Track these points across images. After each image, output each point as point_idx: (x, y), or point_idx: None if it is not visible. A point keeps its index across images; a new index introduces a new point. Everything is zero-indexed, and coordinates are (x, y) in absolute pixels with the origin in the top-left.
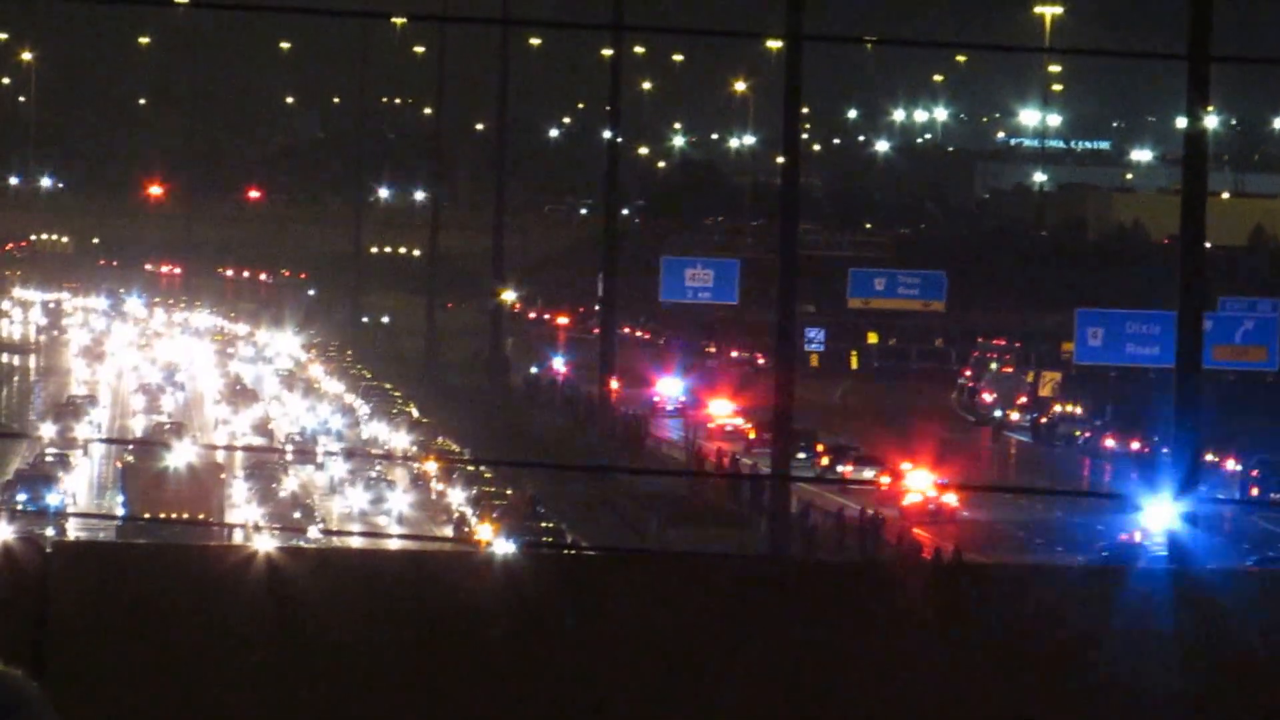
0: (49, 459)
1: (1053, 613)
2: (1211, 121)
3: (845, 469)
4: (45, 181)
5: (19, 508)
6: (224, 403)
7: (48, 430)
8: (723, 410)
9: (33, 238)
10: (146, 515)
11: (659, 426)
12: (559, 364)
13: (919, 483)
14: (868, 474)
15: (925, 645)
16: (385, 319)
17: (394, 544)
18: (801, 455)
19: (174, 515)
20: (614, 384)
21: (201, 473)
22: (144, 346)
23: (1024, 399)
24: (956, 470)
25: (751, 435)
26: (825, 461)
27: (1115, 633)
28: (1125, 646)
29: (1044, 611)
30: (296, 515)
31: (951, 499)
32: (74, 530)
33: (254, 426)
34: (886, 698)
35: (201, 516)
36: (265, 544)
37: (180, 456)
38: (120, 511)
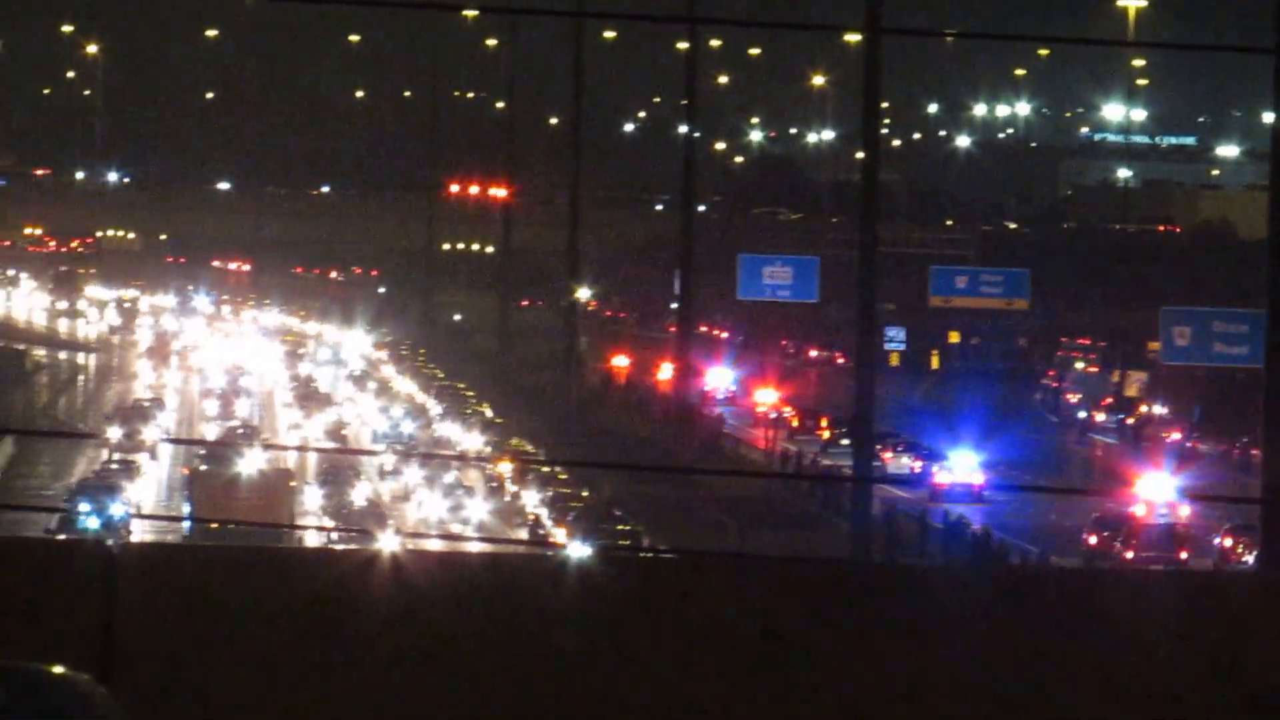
0: (114, 466)
1: (1135, 617)
2: None
3: (887, 456)
4: (112, 177)
5: (81, 518)
6: (296, 406)
7: (113, 434)
8: (768, 399)
9: (99, 234)
10: (214, 524)
11: (713, 417)
12: (622, 361)
13: (962, 464)
14: (905, 460)
15: (1001, 648)
16: (457, 316)
17: (471, 547)
18: (845, 443)
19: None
20: (665, 374)
21: (270, 480)
22: (213, 347)
23: (1109, 399)
24: (1013, 459)
25: (795, 423)
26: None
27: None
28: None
29: (1127, 617)
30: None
31: (980, 478)
32: (140, 534)
33: (327, 431)
34: (962, 699)
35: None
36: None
37: (249, 463)
38: (186, 522)
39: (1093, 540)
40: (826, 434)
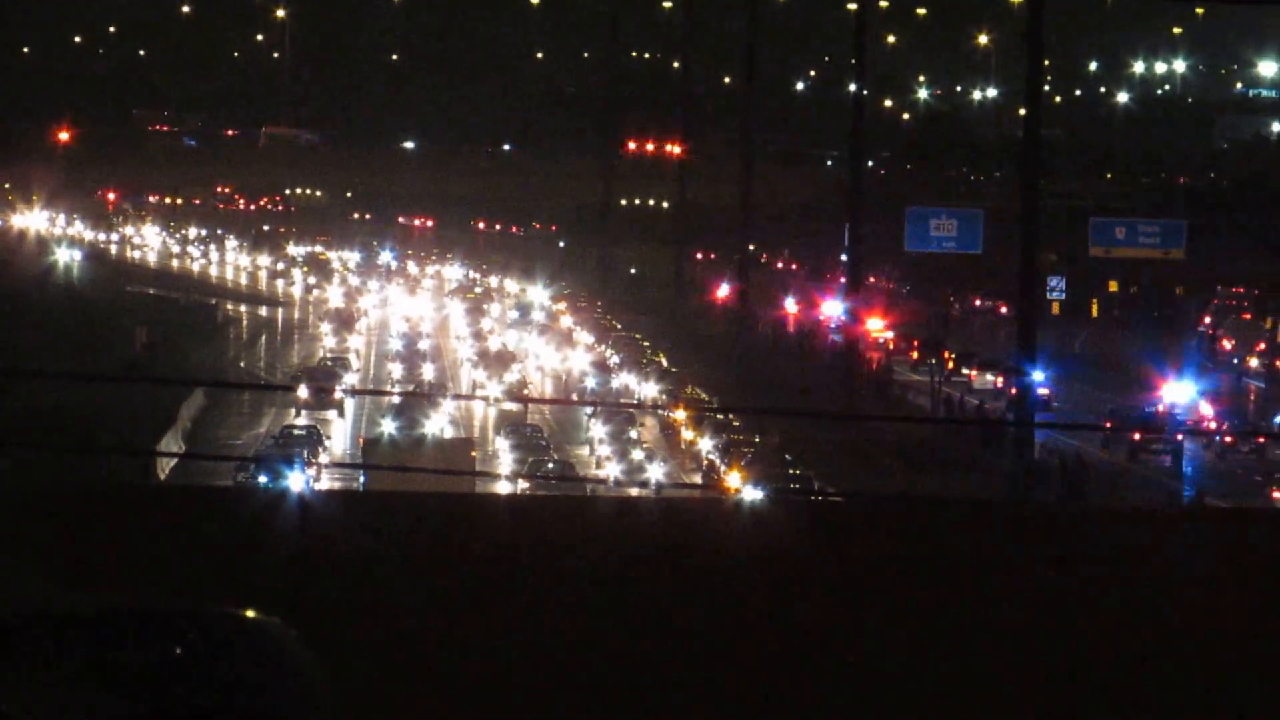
0: (296, 431)
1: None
2: None
3: (970, 372)
4: (299, 136)
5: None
6: (480, 366)
7: (301, 392)
8: (876, 326)
9: (287, 192)
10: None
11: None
12: (790, 306)
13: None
14: (989, 377)
15: (1152, 586)
16: (633, 270)
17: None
18: (932, 361)
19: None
20: (791, 307)
21: (449, 450)
22: (398, 304)
23: (1263, 345)
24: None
25: (890, 346)
26: (951, 365)
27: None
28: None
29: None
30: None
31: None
32: (327, 481)
33: (508, 393)
34: (1124, 640)
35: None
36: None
37: (430, 426)
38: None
39: None
40: (915, 354)
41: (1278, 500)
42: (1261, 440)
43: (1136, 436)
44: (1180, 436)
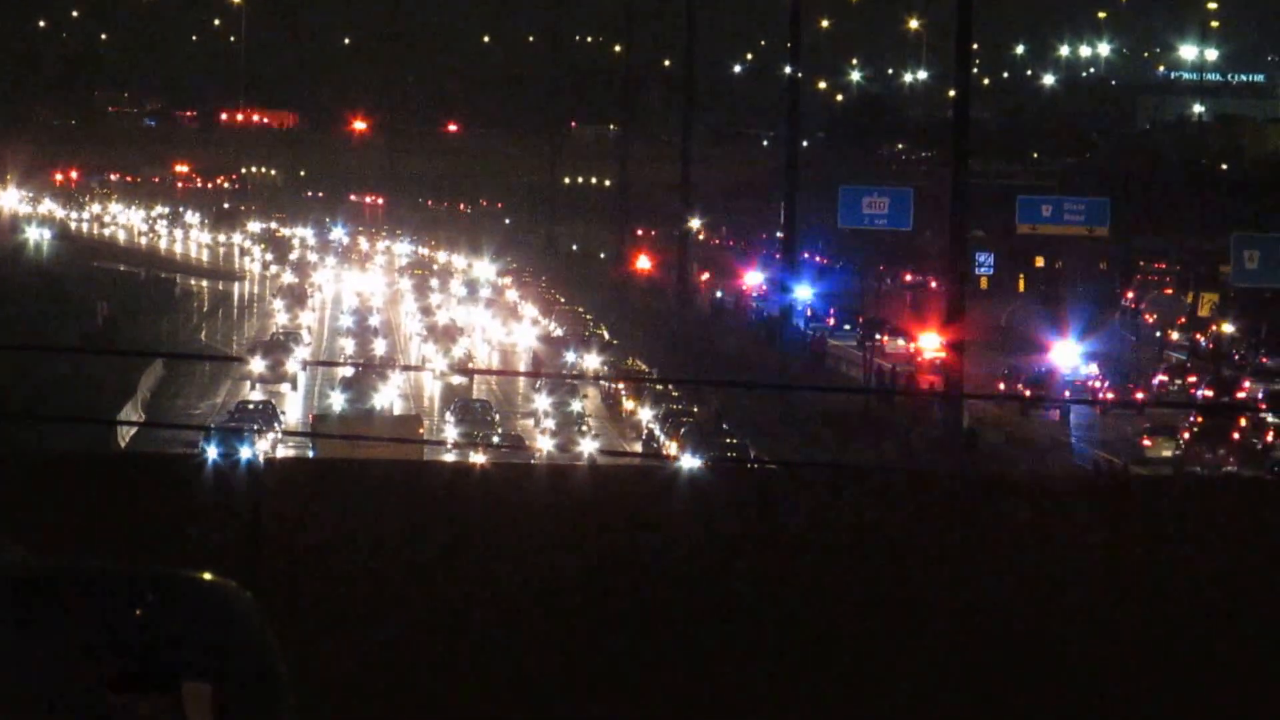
0: (251, 406)
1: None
2: None
3: (882, 338)
4: (254, 117)
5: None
6: (429, 340)
7: (256, 366)
8: (798, 296)
9: (243, 171)
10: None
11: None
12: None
13: (929, 343)
14: (900, 342)
15: (1086, 555)
16: (574, 246)
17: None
18: (847, 327)
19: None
20: (704, 276)
21: (398, 426)
22: (349, 280)
23: (1184, 319)
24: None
25: (808, 314)
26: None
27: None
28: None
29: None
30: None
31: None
32: (282, 449)
33: (454, 367)
34: (1059, 602)
35: None
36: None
37: (379, 400)
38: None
39: None
40: (831, 322)
41: (1148, 447)
42: (1141, 398)
43: (1027, 393)
44: (1067, 393)
